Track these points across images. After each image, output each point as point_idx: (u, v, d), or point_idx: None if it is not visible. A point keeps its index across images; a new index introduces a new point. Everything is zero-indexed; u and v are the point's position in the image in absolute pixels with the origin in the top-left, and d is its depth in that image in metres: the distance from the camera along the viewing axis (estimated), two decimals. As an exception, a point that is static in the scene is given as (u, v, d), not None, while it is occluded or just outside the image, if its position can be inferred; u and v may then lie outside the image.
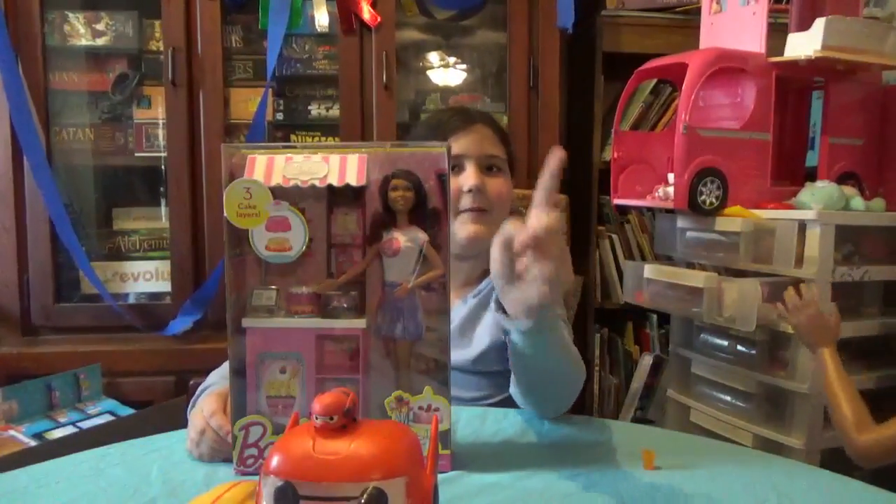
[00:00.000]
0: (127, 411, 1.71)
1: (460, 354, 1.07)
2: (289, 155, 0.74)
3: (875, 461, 0.59)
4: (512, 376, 0.89)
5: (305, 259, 0.74)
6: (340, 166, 0.73)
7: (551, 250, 0.66)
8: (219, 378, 0.90)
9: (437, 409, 0.74)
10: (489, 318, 1.11)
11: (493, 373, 1.07)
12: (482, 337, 1.09)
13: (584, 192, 2.24)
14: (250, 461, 0.74)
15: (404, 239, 0.73)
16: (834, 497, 0.71)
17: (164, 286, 1.98)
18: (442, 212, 0.73)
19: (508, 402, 0.97)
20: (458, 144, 1.09)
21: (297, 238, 0.73)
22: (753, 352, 1.57)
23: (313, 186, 0.72)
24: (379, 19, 1.93)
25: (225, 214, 0.72)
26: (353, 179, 0.72)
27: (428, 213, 0.73)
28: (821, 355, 0.77)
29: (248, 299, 0.74)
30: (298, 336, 0.73)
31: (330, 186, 0.72)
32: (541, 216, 0.66)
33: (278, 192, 0.72)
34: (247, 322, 0.74)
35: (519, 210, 1.48)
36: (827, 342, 0.78)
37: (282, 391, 0.74)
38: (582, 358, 0.90)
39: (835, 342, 0.80)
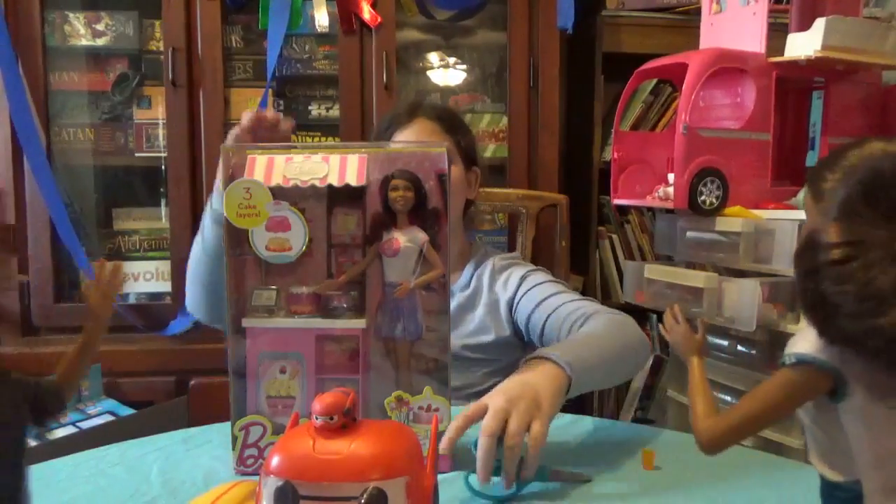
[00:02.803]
0: (127, 411, 1.71)
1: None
2: (289, 155, 0.74)
3: (715, 445, 0.62)
4: None
5: (305, 259, 0.74)
6: (340, 166, 0.73)
7: None
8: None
9: (437, 409, 0.74)
10: (481, 310, 1.15)
11: (479, 360, 1.11)
12: (481, 317, 1.14)
13: (584, 192, 2.24)
14: (250, 461, 0.74)
15: (404, 239, 0.73)
16: (834, 497, 0.71)
17: (164, 286, 1.97)
18: (442, 212, 0.73)
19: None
20: (399, 138, 1.17)
21: (297, 238, 0.73)
22: (753, 352, 1.56)
23: (313, 186, 0.72)
24: (379, 19, 1.92)
25: (225, 214, 0.72)
26: (353, 179, 0.72)
27: (428, 213, 0.73)
28: (689, 363, 0.92)
29: (248, 299, 0.74)
30: (298, 336, 0.73)
31: (330, 186, 0.72)
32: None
33: (278, 192, 0.72)
34: (247, 322, 0.74)
35: (519, 210, 1.48)
36: (694, 352, 0.91)
37: (282, 391, 0.74)
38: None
39: (701, 352, 0.92)
